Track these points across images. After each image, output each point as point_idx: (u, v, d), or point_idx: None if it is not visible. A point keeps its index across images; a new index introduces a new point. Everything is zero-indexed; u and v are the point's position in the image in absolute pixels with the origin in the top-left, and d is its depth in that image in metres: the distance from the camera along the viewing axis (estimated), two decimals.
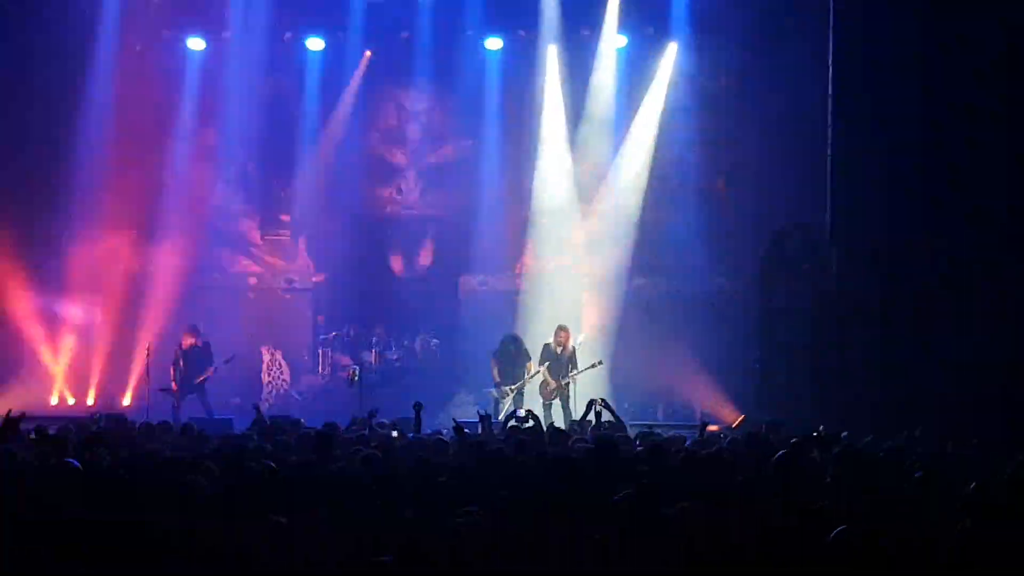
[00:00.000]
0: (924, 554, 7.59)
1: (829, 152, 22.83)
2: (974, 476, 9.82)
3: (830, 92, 22.87)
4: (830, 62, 22.85)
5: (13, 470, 9.71)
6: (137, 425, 17.06)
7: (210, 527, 7.95)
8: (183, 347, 24.18)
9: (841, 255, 22.64)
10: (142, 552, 7.23)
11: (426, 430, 19.05)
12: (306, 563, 7.99)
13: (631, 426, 20.32)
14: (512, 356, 23.34)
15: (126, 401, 25.46)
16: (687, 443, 14.97)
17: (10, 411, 11.41)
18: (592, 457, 10.76)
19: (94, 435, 13.70)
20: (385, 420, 17.28)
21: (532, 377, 23.11)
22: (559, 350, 23.08)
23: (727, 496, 9.33)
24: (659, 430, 17.16)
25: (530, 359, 23.33)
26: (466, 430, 16.36)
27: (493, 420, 20.30)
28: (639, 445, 13.72)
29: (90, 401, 25.80)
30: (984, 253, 21.55)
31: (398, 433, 15.79)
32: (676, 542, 7.29)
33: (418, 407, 16.08)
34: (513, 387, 23.02)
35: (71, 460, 9.47)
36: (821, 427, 18.52)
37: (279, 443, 13.37)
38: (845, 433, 15.21)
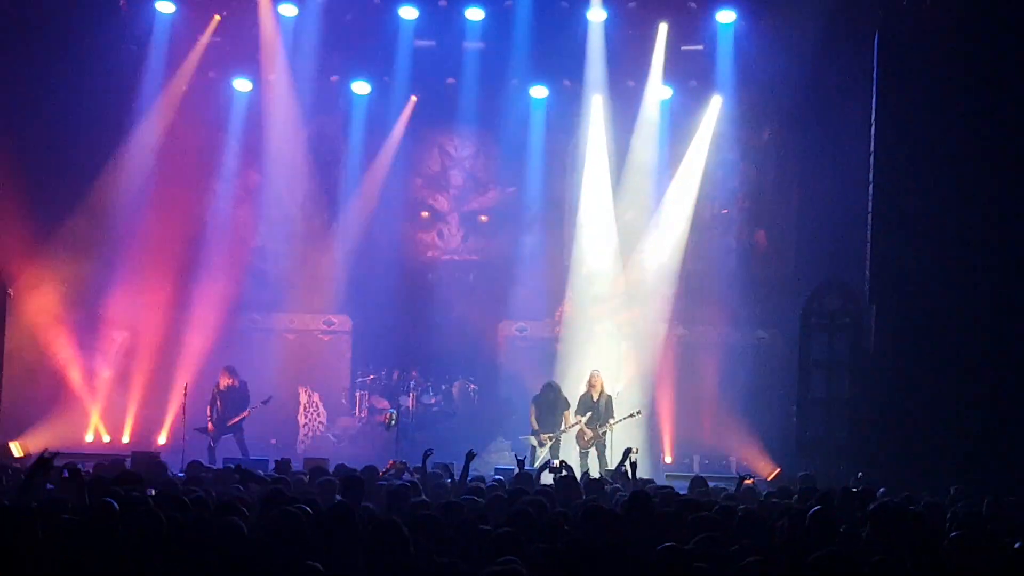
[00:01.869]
0: None
1: (870, 209, 22.83)
2: (1013, 535, 9.79)
3: (871, 150, 22.90)
4: (872, 120, 22.89)
5: (49, 509, 9.74)
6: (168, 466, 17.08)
7: (250, 570, 7.97)
8: (220, 388, 24.30)
9: (879, 312, 22.61)
10: None
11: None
12: None
13: (668, 476, 20.50)
14: (551, 404, 23.33)
15: (161, 440, 25.50)
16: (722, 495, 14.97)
17: (45, 450, 11.41)
18: (628, 509, 10.74)
19: (129, 474, 13.74)
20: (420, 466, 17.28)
21: (571, 428, 23.06)
22: (594, 396, 23.06)
23: (763, 551, 9.30)
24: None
25: (568, 407, 23.28)
26: (500, 477, 16.44)
27: (528, 467, 20.31)
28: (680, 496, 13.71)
29: (125, 439, 25.86)
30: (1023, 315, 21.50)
31: (451, 480, 15.85)
32: None
33: (470, 456, 16.03)
34: (551, 435, 23.00)
35: (109, 500, 9.49)
36: (860, 474, 18.58)
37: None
38: (882, 489, 15.15)
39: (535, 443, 23.20)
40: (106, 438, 25.96)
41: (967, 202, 21.75)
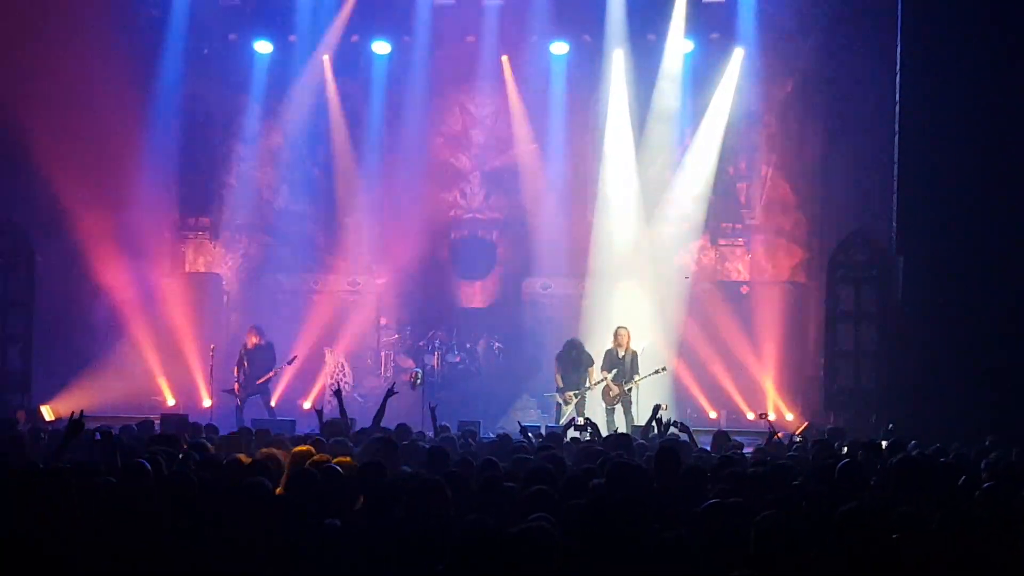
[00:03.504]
0: (989, 564, 7.55)
1: (896, 159, 22.70)
2: None
3: (897, 99, 22.75)
4: (897, 69, 22.73)
5: (82, 471, 9.79)
6: (202, 426, 17.17)
7: (278, 529, 8.01)
8: (247, 347, 24.34)
9: (907, 263, 22.51)
10: (211, 553, 7.30)
11: (487, 434, 19.24)
12: (368, 567, 8.03)
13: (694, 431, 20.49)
14: (574, 361, 23.26)
15: (206, 403, 25.49)
16: (745, 450, 15.01)
17: (72, 413, 11.41)
18: (655, 465, 10.74)
19: (160, 436, 13.82)
20: (448, 425, 17.37)
21: (597, 384, 23.01)
22: (620, 352, 23.00)
23: (792, 504, 9.30)
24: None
25: (592, 364, 23.24)
26: (529, 434, 16.44)
27: (553, 425, 20.37)
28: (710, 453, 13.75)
29: (171, 402, 25.98)
30: None
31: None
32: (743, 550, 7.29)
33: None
34: (576, 392, 22.96)
35: (141, 461, 9.54)
36: (891, 425, 18.54)
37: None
38: (913, 442, 15.12)
39: (560, 401, 23.19)
40: (134, 401, 26.07)
41: (996, 151, 21.57)
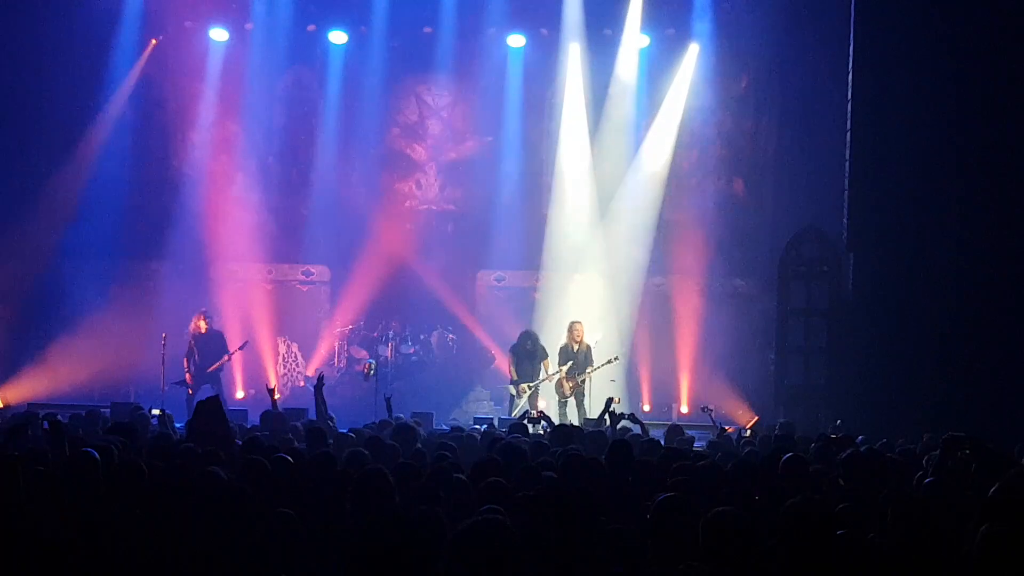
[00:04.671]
0: (931, 558, 7.64)
1: (847, 156, 22.85)
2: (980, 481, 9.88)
3: (849, 96, 22.91)
4: (850, 66, 22.89)
5: (30, 459, 9.75)
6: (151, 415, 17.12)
7: (229, 519, 8.00)
8: (199, 332, 23.97)
9: (857, 260, 22.67)
10: (162, 543, 7.30)
11: (441, 425, 19.26)
12: (319, 557, 8.04)
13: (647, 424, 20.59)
14: (528, 353, 23.30)
15: (141, 391, 25.46)
16: (696, 444, 15.11)
17: (23, 403, 11.35)
18: (607, 459, 10.79)
19: (114, 425, 13.76)
20: (402, 415, 17.36)
21: (551, 377, 23.06)
22: (575, 346, 23.06)
23: (740, 497, 9.37)
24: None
25: (547, 356, 23.28)
26: (483, 427, 16.49)
27: (507, 417, 20.43)
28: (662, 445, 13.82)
29: (104, 390, 25.83)
30: (1001, 260, 21.56)
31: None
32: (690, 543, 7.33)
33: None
34: (530, 385, 23.01)
35: (89, 450, 9.50)
36: (839, 421, 18.68)
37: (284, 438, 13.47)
38: (861, 437, 15.24)
39: (514, 392, 23.22)
40: (84, 389, 25.91)
41: (946, 150, 21.78)
